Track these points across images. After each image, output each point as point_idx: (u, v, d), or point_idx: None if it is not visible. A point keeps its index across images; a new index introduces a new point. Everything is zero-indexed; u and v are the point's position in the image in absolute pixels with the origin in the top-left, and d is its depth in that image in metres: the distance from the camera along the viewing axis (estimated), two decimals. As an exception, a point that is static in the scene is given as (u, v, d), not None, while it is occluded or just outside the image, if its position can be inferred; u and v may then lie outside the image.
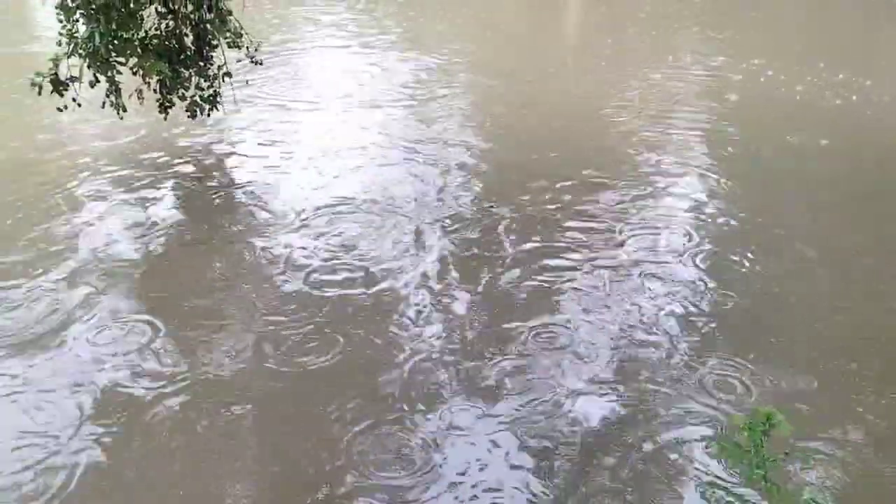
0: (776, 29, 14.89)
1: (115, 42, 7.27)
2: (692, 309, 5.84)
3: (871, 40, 14.31)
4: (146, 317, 5.71)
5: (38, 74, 7.09)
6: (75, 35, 7.16)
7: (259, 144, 9.06)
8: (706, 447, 4.48)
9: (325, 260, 6.54)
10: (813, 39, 14.14)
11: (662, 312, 5.80)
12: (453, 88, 11.14)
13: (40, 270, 6.29)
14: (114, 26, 7.21)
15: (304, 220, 7.22)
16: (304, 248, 6.72)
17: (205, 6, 8.09)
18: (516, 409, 4.80)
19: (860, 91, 10.91)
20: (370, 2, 17.03)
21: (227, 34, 8.26)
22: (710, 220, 7.28)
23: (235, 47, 8.36)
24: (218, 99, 8.44)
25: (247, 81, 9.68)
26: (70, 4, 7.09)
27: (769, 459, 3.03)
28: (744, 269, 6.40)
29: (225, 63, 8.28)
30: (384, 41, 13.86)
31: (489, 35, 14.67)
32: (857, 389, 5.01)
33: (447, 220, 7.18)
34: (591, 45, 14.51)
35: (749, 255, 6.58)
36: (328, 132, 9.42)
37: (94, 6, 7.05)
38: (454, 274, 6.33)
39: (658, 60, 12.56)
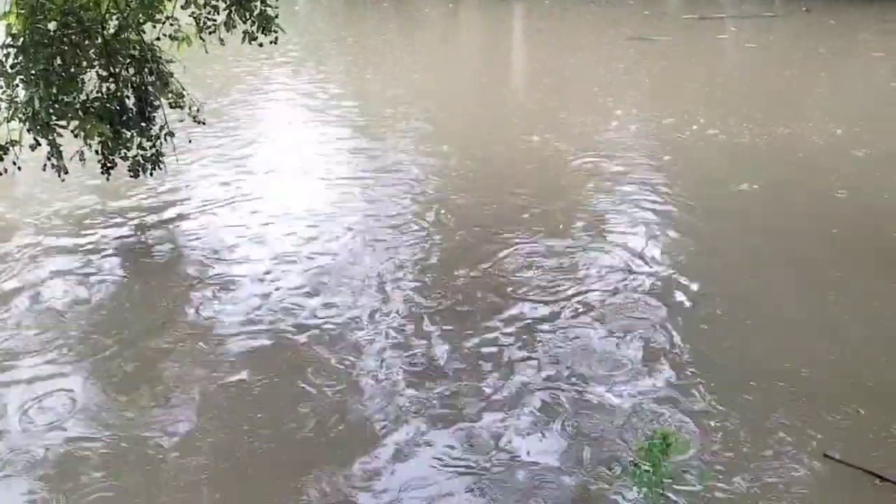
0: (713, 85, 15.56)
1: (56, 106, 7.40)
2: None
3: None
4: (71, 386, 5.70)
5: (-25, 140, 7.19)
6: (15, 100, 7.27)
7: (202, 204, 9.21)
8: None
9: (271, 323, 6.61)
10: (747, 92, 14.72)
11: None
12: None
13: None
14: (54, 90, 7.34)
15: (249, 280, 7.33)
16: (253, 310, 6.79)
17: (146, 69, 8.30)
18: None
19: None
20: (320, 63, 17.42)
21: (169, 95, 8.47)
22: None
23: (178, 107, 8.57)
24: (160, 158, 8.59)
25: (189, 140, 9.85)
26: (9, 70, 7.22)
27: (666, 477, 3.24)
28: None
29: (166, 123, 8.45)
30: (332, 107, 14.18)
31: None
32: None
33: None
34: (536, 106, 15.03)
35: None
36: (274, 193, 9.60)
37: (33, 72, 7.19)
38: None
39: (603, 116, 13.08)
